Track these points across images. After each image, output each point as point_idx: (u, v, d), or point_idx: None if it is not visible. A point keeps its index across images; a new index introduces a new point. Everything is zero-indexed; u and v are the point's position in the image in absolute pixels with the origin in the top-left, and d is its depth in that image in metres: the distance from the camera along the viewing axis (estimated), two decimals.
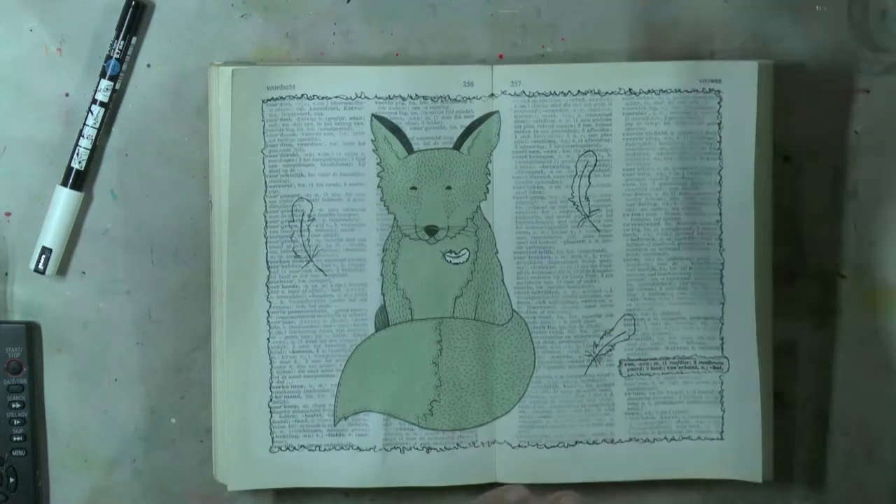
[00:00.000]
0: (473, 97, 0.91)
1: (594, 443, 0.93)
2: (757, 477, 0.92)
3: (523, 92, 0.91)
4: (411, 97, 0.91)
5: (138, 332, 0.94)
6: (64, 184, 0.92)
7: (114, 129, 0.93)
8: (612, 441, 0.93)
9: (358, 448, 0.92)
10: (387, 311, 0.92)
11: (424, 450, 0.93)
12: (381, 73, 0.91)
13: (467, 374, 0.93)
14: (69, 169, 0.92)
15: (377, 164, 0.91)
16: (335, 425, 0.92)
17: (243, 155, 0.90)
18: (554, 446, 0.93)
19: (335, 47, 0.93)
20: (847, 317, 0.95)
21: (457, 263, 0.92)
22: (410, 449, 0.93)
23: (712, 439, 0.93)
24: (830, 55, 0.94)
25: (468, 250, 0.92)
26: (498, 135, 0.92)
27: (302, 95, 0.91)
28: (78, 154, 0.92)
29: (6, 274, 0.93)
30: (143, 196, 0.93)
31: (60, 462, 0.94)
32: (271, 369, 0.92)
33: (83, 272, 0.94)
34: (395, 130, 0.91)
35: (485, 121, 0.92)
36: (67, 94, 0.93)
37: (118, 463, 0.94)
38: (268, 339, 0.92)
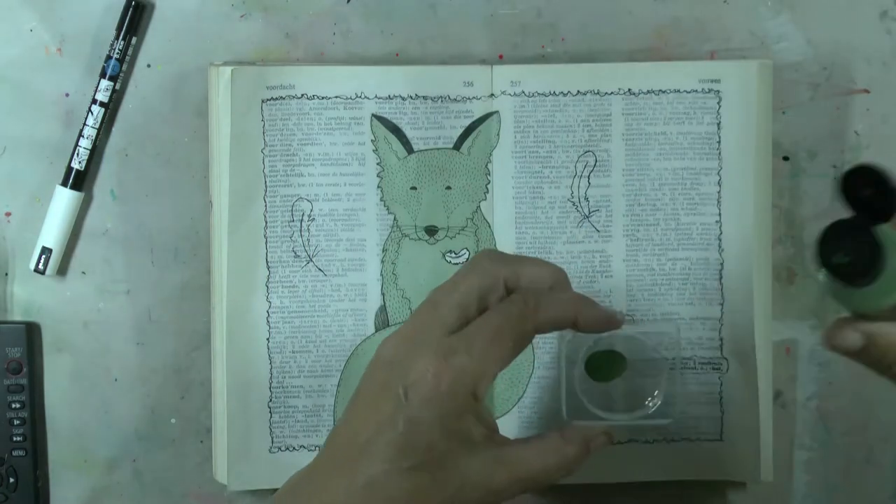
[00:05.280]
0: (473, 97, 0.91)
1: None
2: (757, 477, 0.92)
3: (523, 92, 0.91)
4: (411, 97, 0.91)
5: (138, 332, 0.94)
6: (64, 184, 0.92)
7: (114, 129, 0.93)
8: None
9: None
10: (387, 312, 0.92)
11: None
12: (381, 73, 0.91)
13: None
14: (69, 169, 0.92)
15: (377, 164, 0.91)
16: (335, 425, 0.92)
17: (243, 155, 0.90)
18: None
19: (335, 47, 0.93)
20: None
21: (457, 263, 0.92)
22: None
23: (712, 440, 0.93)
24: (830, 55, 0.93)
25: (468, 250, 0.92)
26: (498, 135, 0.92)
27: (302, 95, 0.91)
28: (78, 154, 0.92)
29: (6, 274, 0.94)
30: (143, 196, 0.93)
31: (60, 462, 0.94)
32: (271, 369, 0.92)
33: (83, 272, 0.94)
34: (395, 130, 0.91)
35: (485, 121, 0.92)
36: (67, 94, 0.93)
37: (118, 463, 0.94)
38: (268, 339, 0.92)
